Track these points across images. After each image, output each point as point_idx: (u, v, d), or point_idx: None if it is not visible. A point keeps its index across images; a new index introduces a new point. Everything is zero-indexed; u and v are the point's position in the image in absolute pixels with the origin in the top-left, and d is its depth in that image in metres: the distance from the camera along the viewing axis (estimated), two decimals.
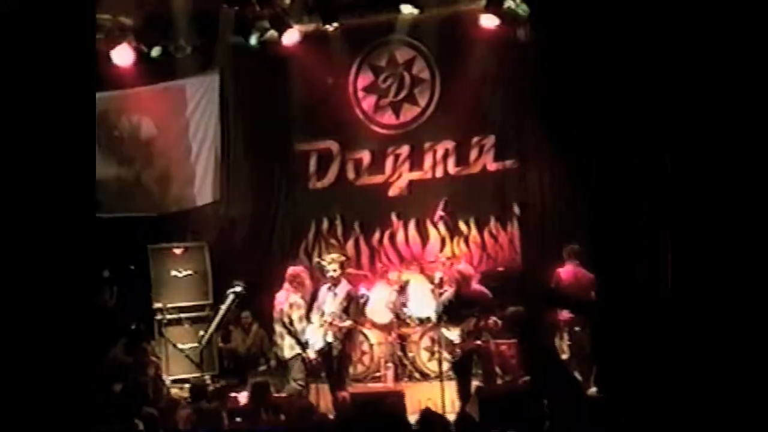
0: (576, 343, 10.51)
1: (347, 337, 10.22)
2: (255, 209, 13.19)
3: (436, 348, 10.52)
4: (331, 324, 10.03)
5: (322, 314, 10.17)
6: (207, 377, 11.41)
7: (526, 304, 10.32)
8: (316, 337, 10.15)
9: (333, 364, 10.13)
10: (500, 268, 11.90)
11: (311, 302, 10.45)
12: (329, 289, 10.31)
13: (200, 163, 13.19)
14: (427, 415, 6.91)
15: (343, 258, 10.77)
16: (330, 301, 10.22)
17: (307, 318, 10.30)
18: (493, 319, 9.76)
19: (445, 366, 10.14)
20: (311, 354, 10.15)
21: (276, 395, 9.30)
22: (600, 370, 9.57)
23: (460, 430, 6.60)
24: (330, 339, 10.06)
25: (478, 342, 9.80)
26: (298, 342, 10.16)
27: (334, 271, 10.29)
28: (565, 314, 10.70)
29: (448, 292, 10.06)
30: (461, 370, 9.89)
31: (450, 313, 9.93)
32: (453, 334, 9.84)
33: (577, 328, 10.57)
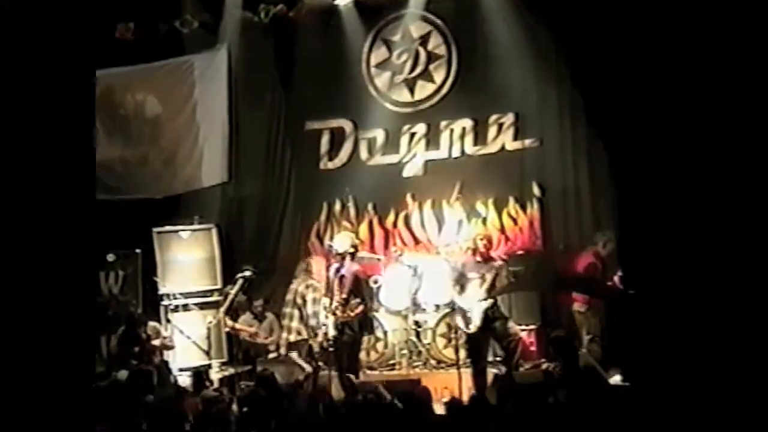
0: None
1: (360, 322, 10.08)
2: (265, 191, 13.17)
3: (452, 335, 10.44)
4: (338, 311, 9.87)
5: (332, 297, 10.02)
6: (215, 364, 11.42)
7: (546, 288, 10.30)
8: (328, 322, 10.03)
9: (343, 351, 10.00)
10: (519, 252, 11.82)
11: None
12: (337, 270, 10.16)
13: (208, 143, 13.17)
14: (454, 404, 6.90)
15: (354, 236, 10.56)
16: (337, 282, 10.07)
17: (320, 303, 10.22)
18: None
19: (462, 353, 10.05)
20: (320, 339, 10.06)
21: (285, 382, 9.27)
22: (626, 358, 9.49)
23: (475, 415, 6.54)
24: (339, 325, 9.90)
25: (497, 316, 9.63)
26: (307, 326, 10.08)
27: (342, 248, 10.12)
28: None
29: (463, 259, 9.90)
30: (475, 351, 9.75)
31: (463, 282, 9.79)
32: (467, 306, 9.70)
33: (575, 308, 10.64)
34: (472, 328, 9.69)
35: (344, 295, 9.89)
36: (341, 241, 10.24)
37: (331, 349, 9.84)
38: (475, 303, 9.65)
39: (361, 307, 9.97)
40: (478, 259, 9.85)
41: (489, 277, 9.71)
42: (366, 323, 10.28)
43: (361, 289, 10.11)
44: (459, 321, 9.82)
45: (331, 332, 9.87)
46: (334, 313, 9.84)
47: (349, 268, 10.07)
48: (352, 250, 10.11)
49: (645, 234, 6.57)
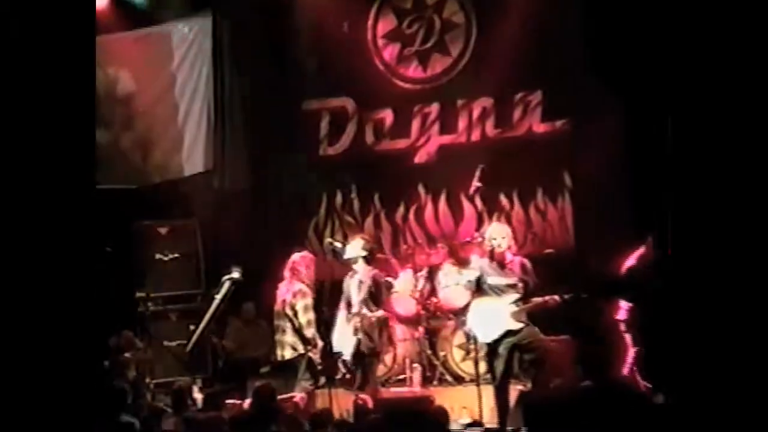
0: None
1: (379, 331, 10.08)
2: (255, 180, 13.14)
3: (471, 346, 10.41)
4: (359, 316, 9.89)
5: (349, 306, 10.05)
6: (197, 380, 11.41)
7: (580, 293, 10.29)
8: (346, 333, 10.03)
9: (360, 364, 10.02)
10: (548, 250, 11.73)
11: (328, 292, 10.37)
12: (351, 276, 10.17)
13: (189, 125, 13.16)
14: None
15: (366, 239, 10.49)
16: (355, 290, 10.09)
17: (315, 309, 10.23)
18: (550, 297, 9.60)
19: (483, 367, 10.01)
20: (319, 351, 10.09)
21: (282, 399, 9.27)
22: (674, 374, 9.49)
23: None
24: (359, 335, 9.92)
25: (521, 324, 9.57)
26: (302, 338, 10.08)
27: (354, 254, 10.11)
28: None
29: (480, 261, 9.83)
30: (496, 364, 9.72)
31: (484, 285, 9.71)
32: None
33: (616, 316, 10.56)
34: (493, 338, 9.68)
35: (361, 301, 9.95)
36: (352, 248, 10.20)
37: (351, 364, 9.89)
38: (497, 309, 9.64)
39: (381, 313, 10.00)
40: (500, 260, 9.82)
41: (514, 280, 9.69)
42: (385, 332, 10.27)
43: (378, 295, 10.10)
44: (477, 330, 9.81)
45: (352, 343, 9.89)
46: (357, 318, 9.89)
47: (366, 272, 10.08)
48: (364, 253, 10.09)
49: (694, 232, 6.56)
